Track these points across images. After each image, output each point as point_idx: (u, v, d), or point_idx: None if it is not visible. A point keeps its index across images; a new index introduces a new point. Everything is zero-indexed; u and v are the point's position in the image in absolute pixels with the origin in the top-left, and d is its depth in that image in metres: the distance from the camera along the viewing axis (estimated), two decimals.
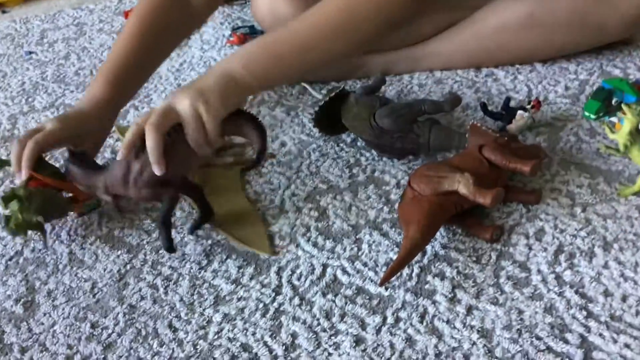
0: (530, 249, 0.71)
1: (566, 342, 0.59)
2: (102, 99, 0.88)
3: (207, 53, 1.34)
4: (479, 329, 0.62)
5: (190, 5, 0.99)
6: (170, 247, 0.75)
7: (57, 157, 1.00)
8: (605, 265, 0.67)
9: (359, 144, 0.95)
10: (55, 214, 0.82)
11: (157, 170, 0.71)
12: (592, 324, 0.61)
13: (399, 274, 0.69)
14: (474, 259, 0.70)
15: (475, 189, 0.70)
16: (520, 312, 0.63)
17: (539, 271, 0.68)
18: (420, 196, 0.72)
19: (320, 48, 0.81)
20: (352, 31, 0.81)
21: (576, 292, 0.64)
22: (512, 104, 0.93)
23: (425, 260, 0.71)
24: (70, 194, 0.84)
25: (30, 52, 1.50)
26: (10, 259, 0.80)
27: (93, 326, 0.69)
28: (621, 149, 0.74)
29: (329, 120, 0.96)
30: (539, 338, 0.60)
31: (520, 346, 0.59)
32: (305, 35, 0.80)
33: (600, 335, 0.59)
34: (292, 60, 0.81)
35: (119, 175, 0.74)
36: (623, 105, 0.74)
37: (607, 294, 0.64)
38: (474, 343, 0.60)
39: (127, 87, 0.94)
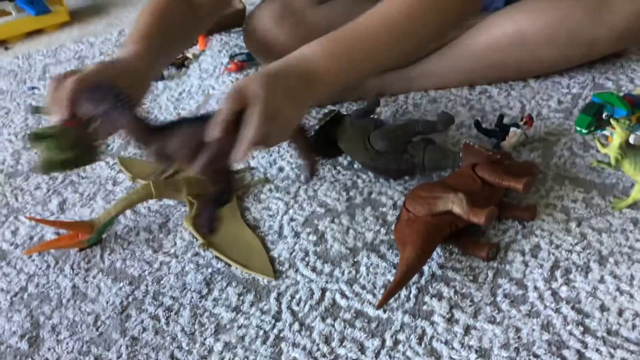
0: (526, 265, 0.71)
1: (563, 358, 0.60)
2: (137, 52, 0.84)
3: (205, 81, 1.36)
4: (477, 349, 0.62)
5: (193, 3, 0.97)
6: (211, 228, 0.71)
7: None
8: (601, 280, 0.67)
9: (355, 166, 0.96)
10: (86, 156, 0.76)
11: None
12: (589, 339, 0.61)
13: (396, 295, 0.70)
14: (471, 277, 0.71)
15: (468, 208, 0.71)
16: (518, 330, 0.64)
17: (535, 288, 0.68)
18: (415, 217, 0.73)
19: (390, 48, 0.79)
20: (420, 28, 0.80)
21: (573, 307, 0.65)
22: (506, 120, 0.94)
23: (422, 281, 0.72)
24: (71, 232, 0.86)
25: (33, 87, 1.52)
26: (15, 295, 0.81)
27: (97, 359, 0.69)
28: (612, 162, 0.75)
29: (326, 143, 0.97)
30: (536, 356, 0.60)
31: None
32: (375, 36, 0.78)
33: (597, 350, 0.60)
34: (365, 61, 0.79)
35: (191, 146, 0.68)
36: (612, 120, 0.75)
37: (603, 308, 0.64)
38: None
39: (158, 52, 0.89)
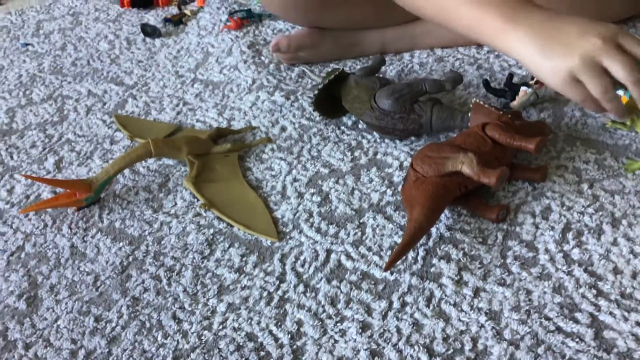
0: (537, 227, 0.70)
1: (576, 321, 0.58)
2: None
3: (204, 39, 1.33)
4: (487, 311, 0.61)
5: None
6: None
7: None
8: (614, 242, 0.66)
9: (360, 126, 0.93)
10: None
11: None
12: (602, 302, 0.60)
13: (404, 257, 0.68)
14: (480, 240, 0.69)
15: (479, 169, 0.69)
16: (529, 292, 0.62)
17: (546, 250, 0.67)
18: (424, 178, 0.71)
19: None
20: None
21: (585, 270, 0.63)
22: (515, 80, 0.92)
23: (430, 243, 0.70)
24: (68, 190, 0.83)
25: (27, 44, 1.48)
26: (11, 255, 0.79)
27: (97, 320, 0.68)
28: (628, 123, 0.72)
29: (329, 103, 0.95)
30: (548, 318, 0.59)
31: (530, 327, 0.58)
32: None
33: (611, 313, 0.58)
34: None
35: None
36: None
37: (616, 271, 0.63)
38: (482, 325, 0.59)
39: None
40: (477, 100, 0.79)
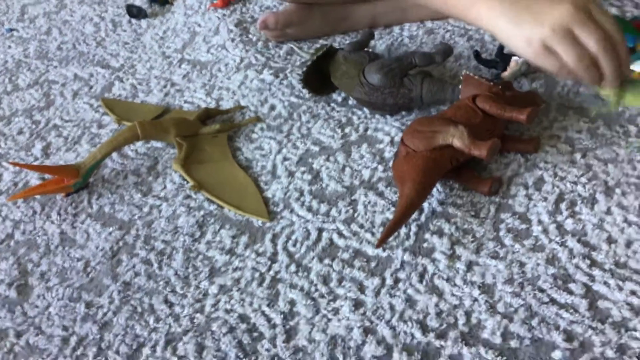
0: (530, 199, 0.69)
1: (570, 292, 0.58)
2: None
3: (190, 18, 1.30)
4: (480, 285, 0.60)
5: None
6: None
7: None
8: (608, 211, 0.65)
9: (350, 102, 0.92)
10: None
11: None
12: (596, 272, 0.59)
13: (396, 234, 0.67)
14: (473, 213, 0.69)
15: (470, 141, 0.67)
16: (522, 264, 0.61)
17: (539, 222, 0.66)
18: (414, 153, 0.70)
19: None
20: None
21: (579, 240, 0.63)
22: (506, 50, 0.90)
23: (422, 218, 0.69)
24: (56, 176, 0.82)
25: (12, 29, 1.46)
26: (1, 243, 0.78)
27: (88, 306, 0.67)
28: (612, 107, 0.71)
29: (318, 80, 0.93)
30: (542, 290, 0.58)
31: (523, 300, 0.58)
32: None
33: (605, 283, 0.58)
34: None
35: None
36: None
37: (610, 240, 0.62)
38: (476, 299, 0.59)
39: None
40: (468, 72, 0.78)
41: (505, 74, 0.86)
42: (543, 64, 0.65)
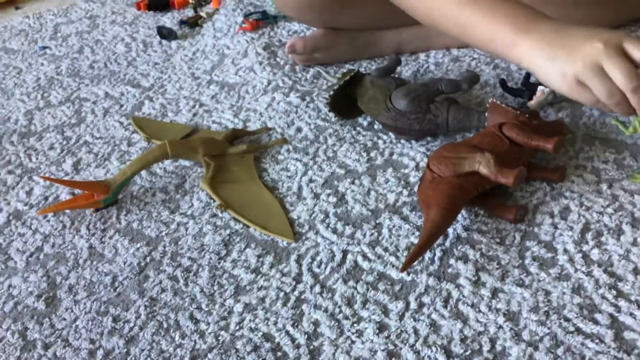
0: (555, 228, 0.69)
1: (596, 322, 0.58)
2: None
3: (219, 41, 1.33)
4: (505, 312, 0.60)
5: None
6: None
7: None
8: (634, 242, 0.65)
9: (375, 126, 0.93)
10: None
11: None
12: (622, 303, 0.59)
13: (420, 258, 0.68)
14: (498, 240, 0.69)
15: (496, 168, 0.68)
16: (547, 293, 0.62)
17: (565, 251, 0.66)
18: (440, 178, 0.70)
19: None
20: None
21: (605, 271, 0.63)
22: (532, 79, 0.91)
23: (447, 243, 0.70)
24: (86, 192, 0.84)
25: (45, 47, 1.50)
26: (30, 255, 0.80)
27: (115, 320, 0.68)
28: (630, 130, 0.72)
29: (345, 103, 0.95)
30: (567, 319, 0.58)
31: (549, 328, 0.58)
32: None
33: (631, 314, 0.58)
34: None
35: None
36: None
37: (636, 271, 0.62)
38: (500, 327, 0.59)
39: None
40: (494, 100, 0.79)
41: (532, 102, 0.87)
42: (577, 97, 0.66)
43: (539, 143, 0.72)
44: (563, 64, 0.65)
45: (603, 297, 0.60)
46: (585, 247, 0.66)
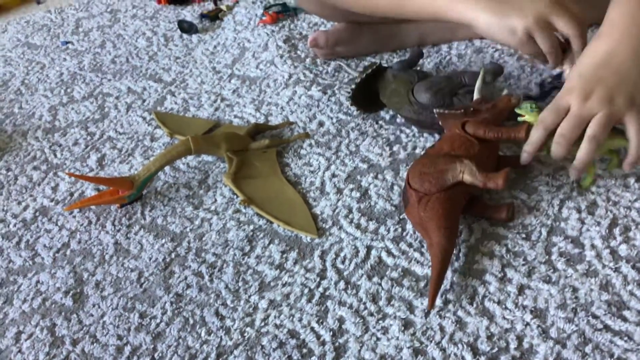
0: (582, 223, 0.68)
1: (624, 319, 0.57)
2: None
3: (240, 34, 1.33)
4: (532, 309, 0.60)
5: None
6: None
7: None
8: None
9: (398, 120, 0.93)
10: None
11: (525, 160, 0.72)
12: None
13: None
14: (524, 235, 0.68)
15: (481, 175, 0.66)
16: (575, 289, 0.61)
17: (592, 246, 0.65)
18: (428, 197, 0.67)
19: None
20: None
21: (633, 267, 0.62)
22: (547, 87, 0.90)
23: (472, 240, 0.69)
24: (111, 188, 0.85)
25: (67, 42, 1.51)
26: (57, 252, 0.81)
27: (141, 316, 0.69)
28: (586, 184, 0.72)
29: (367, 97, 0.94)
30: (595, 316, 0.58)
31: (576, 325, 0.57)
32: None
33: None
34: None
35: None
36: (520, 107, 0.72)
37: None
38: (528, 324, 0.59)
39: None
40: (438, 110, 0.76)
41: (475, 94, 0.83)
42: (524, 49, 0.76)
43: (509, 135, 0.70)
44: (515, 20, 0.74)
45: (631, 293, 0.59)
46: (613, 243, 0.65)
